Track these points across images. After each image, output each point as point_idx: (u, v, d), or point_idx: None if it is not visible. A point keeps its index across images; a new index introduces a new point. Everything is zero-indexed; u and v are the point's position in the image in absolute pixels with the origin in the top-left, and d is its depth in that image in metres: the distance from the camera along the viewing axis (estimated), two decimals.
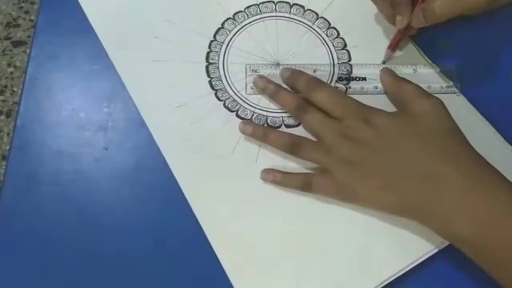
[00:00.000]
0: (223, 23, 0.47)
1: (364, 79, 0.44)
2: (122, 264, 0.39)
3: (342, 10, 0.47)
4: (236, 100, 0.44)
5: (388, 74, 0.43)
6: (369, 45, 0.46)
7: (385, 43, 0.45)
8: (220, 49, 0.46)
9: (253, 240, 0.39)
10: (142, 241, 0.39)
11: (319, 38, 0.46)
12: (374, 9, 0.46)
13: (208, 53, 0.46)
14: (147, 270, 0.39)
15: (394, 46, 0.44)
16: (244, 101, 0.44)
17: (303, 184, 0.39)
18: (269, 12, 0.47)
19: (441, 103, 0.39)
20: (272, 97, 0.43)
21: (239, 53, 0.46)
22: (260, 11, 0.47)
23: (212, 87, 0.44)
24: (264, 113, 0.43)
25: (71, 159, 0.42)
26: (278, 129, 0.42)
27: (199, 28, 0.46)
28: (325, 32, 0.46)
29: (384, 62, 0.45)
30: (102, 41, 0.46)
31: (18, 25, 1.32)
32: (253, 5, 0.48)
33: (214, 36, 0.46)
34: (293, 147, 0.40)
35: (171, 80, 0.44)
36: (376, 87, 0.44)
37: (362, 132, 0.38)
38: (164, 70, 0.45)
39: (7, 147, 1.16)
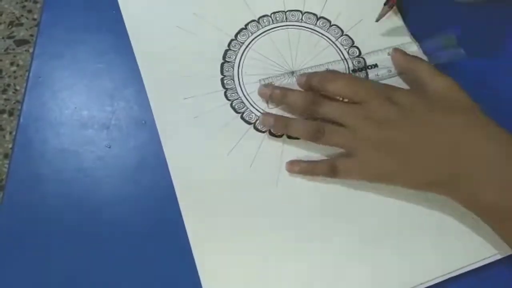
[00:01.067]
0: (246, 25, 0.47)
1: (376, 65, 0.44)
2: (125, 261, 0.39)
3: (367, 30, 0.46)
4: (243, 102, 0.44)
5: (400, 54, 0.43)
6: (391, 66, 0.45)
7: None
8: (239, 49, 0.46)
9: (234, 243, 0.39)
10: (144, 238, 0.40)
11: (339, 53, 0.46)
12: None
13: (226, 51, 0.46)
14: (149, 268, 0.39)
15: (393, 1, 0.44)
16: (252, 105, 0.44)
17: (329, 169, 0.39)
18: (294, 21, 0.47)
19: (456, 82, 0.39)
20: (282, 101, 0.42)
21: (256, 56, 0.46)
22: (286, 18, 0.47)
23: (223, 85, 0.44)
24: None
25: (74, 157, 0.42)
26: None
27: (222, 25, 0.47)
28: (347, 50, 0.46)
29: (377, 20, 0.45)
30: (126, 22, 0.46)
31: (21, 24, 1.32)
32: (280, 11, 0.48)
33: (236, 35, 0.46)
34: (316, 133, 0.40)
35: (184, 71, 0.45)
36: (390, 71, 0.44)
37: (386, 111, 0.38)
38: (180, 60, 0.45)
39: (10, 146, 1.17)
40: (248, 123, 0.43)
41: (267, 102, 0.43)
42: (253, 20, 0.47)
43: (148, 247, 0.39)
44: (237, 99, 0.44)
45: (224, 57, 0.46)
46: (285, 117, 0.42)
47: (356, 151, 0.39)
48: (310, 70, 0.44)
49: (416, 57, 0.43)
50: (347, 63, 0.45)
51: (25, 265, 0.38)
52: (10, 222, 0.40)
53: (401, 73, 0.43)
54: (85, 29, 0.47)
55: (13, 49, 1.29)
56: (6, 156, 1.16)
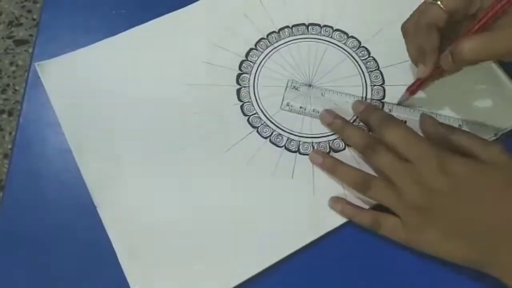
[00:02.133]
0: (267, 35, 0.47)
1: (405, 123, 0.42)
2: None
3: (385, 42, 0.46)
4: (253, 106, 0.44)
5: (431, 124, 0.41)
6: (408, 83, 0.43)
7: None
8: (255, 60, 0.46)
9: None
10: None
11: (356, 67, 0.45)
12: None
13: (242, 61, 0.46)
14: None
15: (413, 91, 0.42)
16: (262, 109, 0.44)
17: (372, 223, 0.39)
18: (315, 34, 0.47)
19: (505, 149, 0.37)
20: (338, 132, 0.42)
21: (274, 66, 0.46)
22: (307, 31, 0.47)
23: (239, 98, 0.44)
24: (296, 138, 0.42)
25: (73, 158, 0.42)
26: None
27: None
28: (364, 62, 0.45)
29: (399, 104, 0.43)
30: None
31: (20, 24, 1.32)
32: (301, 24, 0.47)
33: (255, 45, 0.46)
34: (363, 186, 0.39)
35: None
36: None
37: (436, 181, 0.36)
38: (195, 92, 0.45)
39: (9, 146, 1.17)
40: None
41: (284, 104, 0.43)
42: (273, 32, 0.47)
43: None
44: (247, 100, 0.44)
45: (240, 67, 0.45)
46: (333, 159, 0.41)
47: (402, 214, 0.38)
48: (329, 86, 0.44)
49: (451, 126, 0.40)
50: (365, 77, 0.45)
51: (25, 265, 0.38)
52: (10, 222, 0.40)
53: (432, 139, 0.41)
54: (84, 29, 0.47)
55: (13, 49, 1.29)
56: (5, 156, 1.16)
